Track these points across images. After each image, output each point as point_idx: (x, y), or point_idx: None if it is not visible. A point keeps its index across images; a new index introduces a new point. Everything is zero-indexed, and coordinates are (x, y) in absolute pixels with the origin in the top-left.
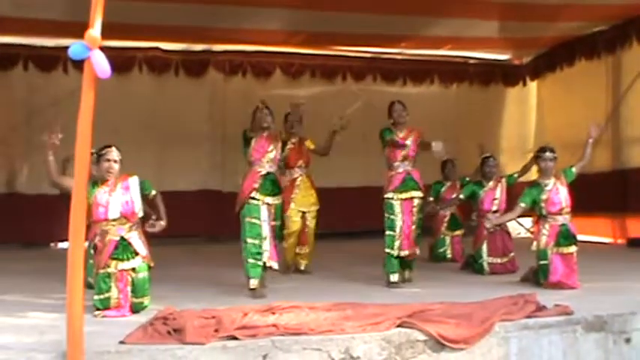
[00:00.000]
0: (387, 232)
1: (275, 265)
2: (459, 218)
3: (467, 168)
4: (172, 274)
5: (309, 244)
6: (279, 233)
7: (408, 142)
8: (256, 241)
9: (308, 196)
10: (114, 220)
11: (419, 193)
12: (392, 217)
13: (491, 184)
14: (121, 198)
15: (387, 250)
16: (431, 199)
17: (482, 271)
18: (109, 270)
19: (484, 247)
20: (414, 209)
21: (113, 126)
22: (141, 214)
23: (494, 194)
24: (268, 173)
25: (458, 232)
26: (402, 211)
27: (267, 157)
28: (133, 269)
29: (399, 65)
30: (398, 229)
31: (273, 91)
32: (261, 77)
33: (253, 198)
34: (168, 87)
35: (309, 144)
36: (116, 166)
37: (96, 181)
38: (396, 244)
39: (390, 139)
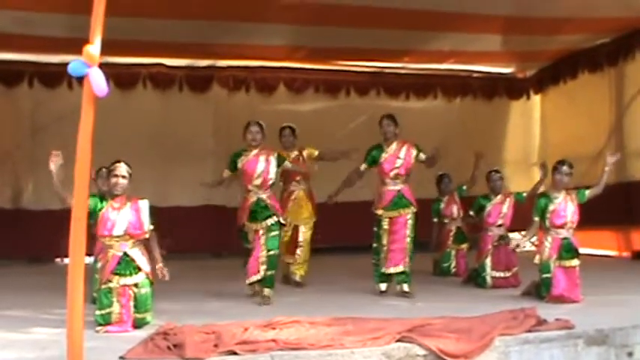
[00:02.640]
0: (374, 244)
1: (252, 279)
2: (464, 232)
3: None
4: (174, 289)
5: (303, 254)
6: (276, 244)
7: (401, 155)
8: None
9: (302, 209)
10: (118, 236)
11: (410, 209)
12: (380, 232)
13: (499, 197)
14: (129, 217)
15: (373, 261)
16: (434, 220)
17: (485, 285)
18: (111, 285)
19: (488, 261)
20: (409, 223)
21: (118, 141)
22: (147, 235)
23: (501, 209)
24: (258, 199)
25: (463, 246)
26: (389, 228)
27: (253, 183)
28: (136, 285)
29: (403, 79)
30: (384, 244)
31: (277, 106)
32: (265, 92)
33: (246, 229)
34: (172, 103)
35: (311, 152)
36: (124, 182)
37: (105, 197)
38: (382, 257)
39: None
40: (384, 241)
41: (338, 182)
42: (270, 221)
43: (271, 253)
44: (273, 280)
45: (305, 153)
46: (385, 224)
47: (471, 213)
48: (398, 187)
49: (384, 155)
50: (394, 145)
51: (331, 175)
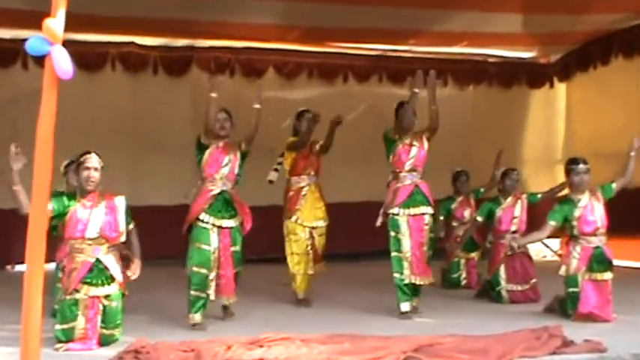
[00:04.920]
0: (394, 254)
1: (226, 302)
2: (475, 239)
3: (485, 181)
4: (147, 300)
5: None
6: (239, 259)
7: (415, 145)
8: (203, 270)
9: (315, 209)
10: (91, 239)
11: (429, 209)
12: (398, 236)
13: (509, 200)
14: (103, 217)
15: (396, 276)
16: (441, 218)
17: (501, 300)
18: (78, 296)
19: (502, 273)
20: (426, 227)
21: (82, 131)
22: (123, 238)
23: (514, 212)
24: (221, 192)
25: (474, 255)
26: (409, 230)
27: (220, 172)
28: (107, 296)
29: (408, 64)
30: (407, 251)
31: (266, 93)
32: (252, 77)
33: (202, 220)
34: (145, 87)
35: (318, 146)
36: (96, 175)
37: (74, 193)
38: (405, 267)
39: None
40: (408, 246)
41: (334, 185)
42: (233, 222)
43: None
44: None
45: (317, 147)
46: (404, 225)
47: (479, 218)
48: (416, 181)
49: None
50: (410, 137)
51: (327, 176)
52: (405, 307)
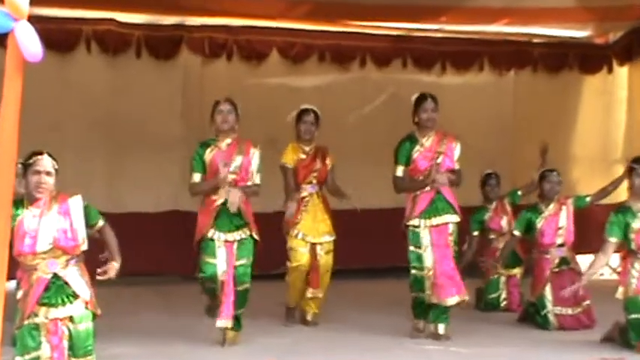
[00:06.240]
0: (414, 272)
1: (221, 324)
2: (517, 252)
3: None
4: (130, 324)
5: (323, 286)
6: (246, 274)
7: (441, 150)
8: (212, 285)
9: (319, 222)
10: (44, 252)
11: (454, 217)
12: (419, 251)
13: (552, 207)
14: (56, 224)
15: (414, 295)
16: (475, 233)
17: (548, 325)
18: (37, 320)
19: (547, 293)
20: (450, 238)
21: (52, 124)
22: (85, 246)
23: (558, 222)
24: (226, 202)
25: (516, 271)
26: (432, 243)
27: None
28: (71, 318)
29: (437, 46)
30: (429, 268)
31: (268, 80)
32: (252, 61)
33: (209, 236)
34: (126, 72)
35: (331, 161)
36: (49, 180)
37: (22, 201)
38: (427, 286)
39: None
40: (428, 262)
41: (349, 188)
42: (241, 234)
43: (240, 288)
44: (241, 321)
45: (327, 159)
46: (426, 237)
47: (516, 233)
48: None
49: (418, 149)
50: (432, 137)
51: (340, 178)
52: (420, 325)
